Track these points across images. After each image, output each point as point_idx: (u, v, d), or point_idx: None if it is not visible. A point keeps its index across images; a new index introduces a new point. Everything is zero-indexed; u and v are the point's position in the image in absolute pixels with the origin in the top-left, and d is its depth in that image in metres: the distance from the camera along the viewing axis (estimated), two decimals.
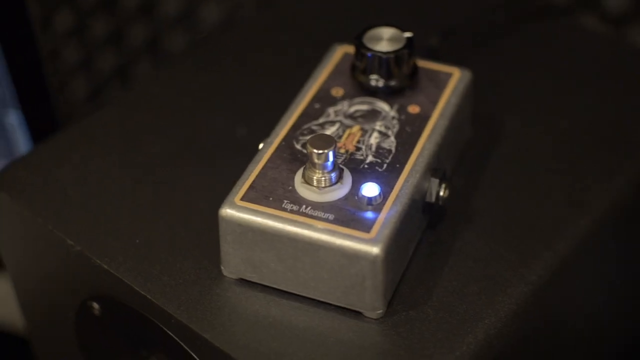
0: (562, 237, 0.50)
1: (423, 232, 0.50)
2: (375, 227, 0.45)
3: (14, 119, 0.70)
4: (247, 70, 0.62)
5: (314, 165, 0.46)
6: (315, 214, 0.46)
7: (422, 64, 0.54)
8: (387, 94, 0.52)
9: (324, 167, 0.46)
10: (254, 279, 0.48)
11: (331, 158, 0.46)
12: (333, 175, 0.46)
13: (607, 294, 0.58)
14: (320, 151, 0.45)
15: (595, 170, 0.54)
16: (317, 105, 0.52)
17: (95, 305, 0.53)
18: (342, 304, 0.47)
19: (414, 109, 0.51)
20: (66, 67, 0.90)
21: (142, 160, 0.55)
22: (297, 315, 0.47)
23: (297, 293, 0.47)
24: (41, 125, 0.71)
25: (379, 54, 0.51)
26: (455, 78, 0.53)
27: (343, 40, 0.56)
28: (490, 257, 0.49)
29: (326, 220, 0.45)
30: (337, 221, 0.45)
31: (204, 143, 0.56)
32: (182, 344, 0.48)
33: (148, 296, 0.48)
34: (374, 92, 0.52)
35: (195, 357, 0.48)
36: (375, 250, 0.44)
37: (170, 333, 0.48)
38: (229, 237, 0.47)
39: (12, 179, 0.55)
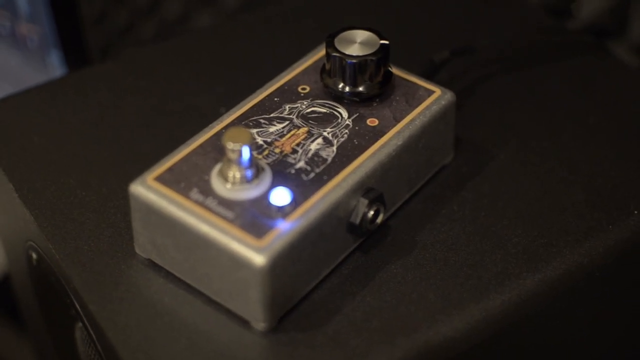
0: (498, 292, 0.46)
1: (351, 252, 0.47)
2: (270, 236, 0.42)
3: (54, 59, 0.71)
4: (259, 54, 0.60)
5: (228, 159, 0.44)
6: (217, 209, 0.43)
7: (406, 76, 0.50)
8: (351, 100, 0.49)
9: (238, 162, 0.44)
10: (159, 262, 0.46)
11: (246, 155, 0.43)
12: (248, 173, 0.44)
13: None
14: (234, 146, 0.43)
15: (570, 226, 0.48)
16: (276, 99, 0.49)
17: (34, 255, 0.53)
18: (231, 308, 0.44)
19: (372, 121, 0.48)
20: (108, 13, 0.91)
21: (115, 122, 0.55)
22: (186, 308, 0.45)
23: (194, 286, 0.45)
24: (79, 65, 0.72)
25: (342, 57, 0.47)
26: (433, 98, 0.49)
27: None
28: (410, 296, 0.45)
29: (224, 217, 0.43)
30: (235, 221, 0.43)
31: (183, 116, 0.55)
32: (80, 310, 0.47)
33: (56, 255, 0.48)
34: (339, 97, 0.49)
35: (88, 326, 0.47)
36: (259, 259, 0.42)
37: (72, 296, 0.48)
38: (137, 215, 0.46)
39: None
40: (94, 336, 0.47)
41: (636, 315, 0.54)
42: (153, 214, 0.45)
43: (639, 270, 0.51)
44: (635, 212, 0.49)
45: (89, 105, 0.56)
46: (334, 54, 0.47)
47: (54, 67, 0.72)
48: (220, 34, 0.62)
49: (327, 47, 0.48)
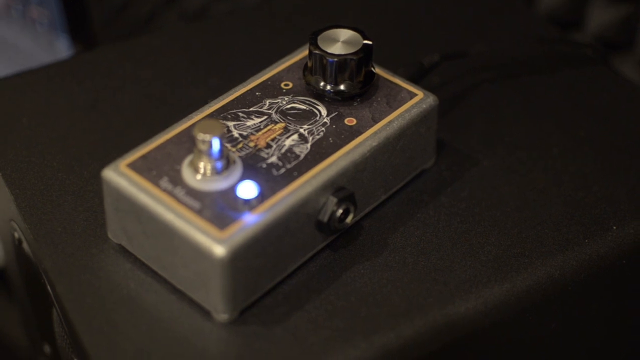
0: (463, 299, 0.45)
1: (320, 250, 0.47)
2: (232, 228, 0.42)
3: (63, 43, 0.72)
4: (260, 48, 0.60)
5: (199, 150, 0.44)
6: (184, 199, 0.44)
7: (391, 77, 0.50)
8: (331, 98, 0.48)
9: (208, 154, 0.44)
10: (129, 248, 0.47)
11: (216, 146, 0.43)
12: (218, 164, 0.44)
13: None
14: (204, 137, 0.43)
15: (545, 238, 0.48)
16: (258, 93, 0.49)
17: (16, 235, 0.54)
18: (194, 297, 0.44)
19: (350, 120, 0.48)
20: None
21: (106, 108, 0.55)
22: (151, 296, 0.45)
23: (160, 274, 0.46)
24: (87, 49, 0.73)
25: (323, 55, 0.47)
26: (414, 100, 0.49)
27: None
28: (375, 297, 0.45)
29: (190, 207, 0.43)
30: (200, 212, 0.43)
31: (175, 106, 0.55)
32: (50, 290, 0.48)
33: (31, 235, 0.48)
34: (320, 95, 0.49)
35: (57, 308, 0.47)
36: (219, 251, 0.42)
37: (43, 277, 0.48)
38: (108, 200, 0.46)
39: None
40: (61, 317, 0.47)
41: (612, 329, 0.54)
42: (123, 200, 0.45)
43: (615, 286, 0.51)
44: (614, 227, 0.49)
45: (82, 90, 0.57)
46: (316, 51, 0.47)
47: (62, 51, 0.73)
48: (222, 27, 0.62)
49: (309, 45, 0.48)
